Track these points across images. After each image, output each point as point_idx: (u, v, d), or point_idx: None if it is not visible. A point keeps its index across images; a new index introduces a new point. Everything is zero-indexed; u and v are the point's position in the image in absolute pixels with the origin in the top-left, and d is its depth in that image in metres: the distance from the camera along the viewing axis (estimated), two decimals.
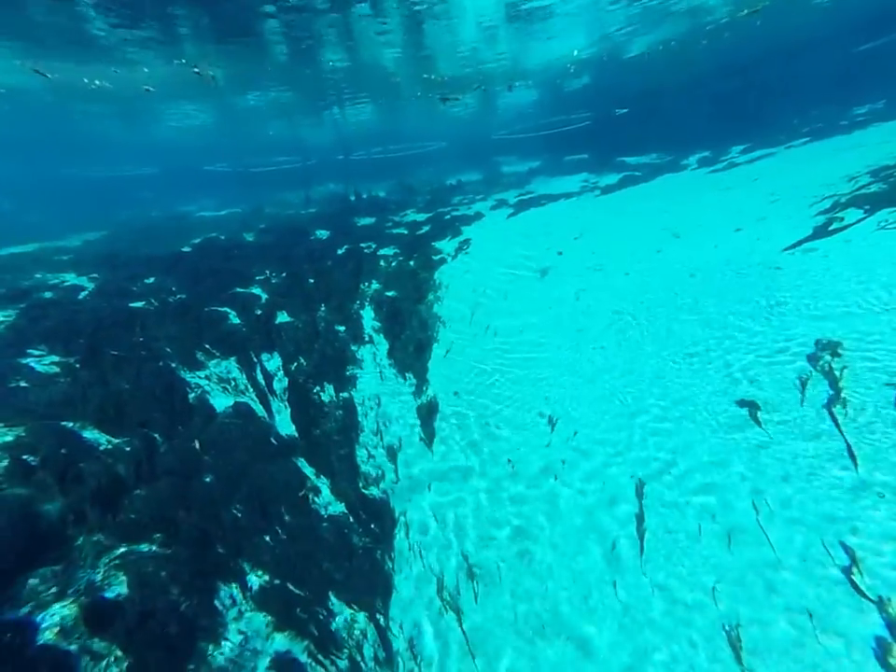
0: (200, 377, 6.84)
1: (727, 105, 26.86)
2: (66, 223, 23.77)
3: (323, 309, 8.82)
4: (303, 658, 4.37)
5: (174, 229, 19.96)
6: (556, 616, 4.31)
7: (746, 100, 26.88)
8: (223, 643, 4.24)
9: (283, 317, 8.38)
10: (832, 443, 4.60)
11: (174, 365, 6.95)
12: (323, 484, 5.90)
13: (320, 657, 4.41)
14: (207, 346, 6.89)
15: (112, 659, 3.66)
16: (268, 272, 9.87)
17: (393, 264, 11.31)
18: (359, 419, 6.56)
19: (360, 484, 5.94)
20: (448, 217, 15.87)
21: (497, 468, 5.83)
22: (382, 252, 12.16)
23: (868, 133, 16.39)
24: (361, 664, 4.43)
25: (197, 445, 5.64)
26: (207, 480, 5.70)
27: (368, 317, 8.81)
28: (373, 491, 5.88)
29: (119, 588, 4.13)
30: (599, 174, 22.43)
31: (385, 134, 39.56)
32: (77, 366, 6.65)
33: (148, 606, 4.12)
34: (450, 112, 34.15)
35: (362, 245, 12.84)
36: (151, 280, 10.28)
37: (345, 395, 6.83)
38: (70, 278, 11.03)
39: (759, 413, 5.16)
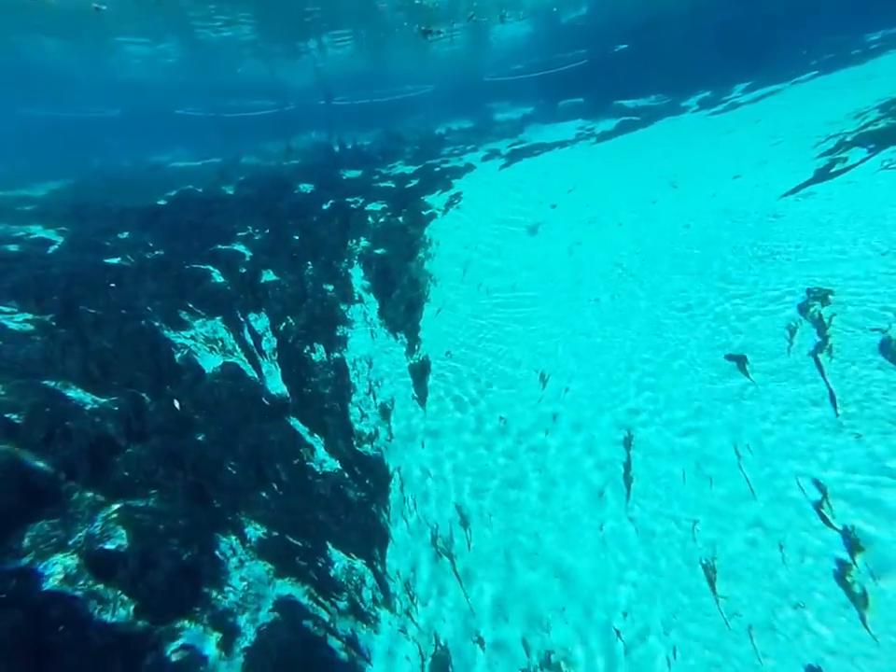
0: (185, 337, 6.69)
1: (732, 36, 25.08)
2: (27, 170, 22.18)
3: (310, 267, 8.55)
4: (305, 601, 4.63)
5: (147, 180, 18.82)
6: (542, 550, 4.57)
7: (751, 30, 25.10)
8: (226, 589, 4.46)
9: (269, 276, 8.12)
10: (814, 388, 4.71)
11: (157, 324, 6.76)
12: (317, 443, 5.99)
13: (321, 599, 4.68)
14: (191, 306, 6.68)
15: (119, 603, 3.83)
16: (250, 227, 9.42)
17: (381, 220, 10.89)
18: (351, 379, 6.56)
19: (354, 442, 6.04)
20: (438, 169, 15.13)
21: (490, 423, 5.94)
22: (369, 207, 11.66)
23: (881, 62, 15.29)
24: (360, 604, 4.72)
25: (177, 405, 5.60)
26: (200, 439, 5.75)
27: (357, 276, 8.58)
28: (367, 448, 6.00)
29: (118, 540, 4.25)
30: (595, 119, 21.30)
31: (369, 77, 36.74)
32: (54, 324, 6.44)
33: (150, 556, 4.27)
34: (439, 52, 31.60)
35: (349, 199, 12.26)
36: (125, 235, 9.76)
37: (336, 355, 6.78)
38: (36, 231, 10.37)
39: (747, 363, 5.24)
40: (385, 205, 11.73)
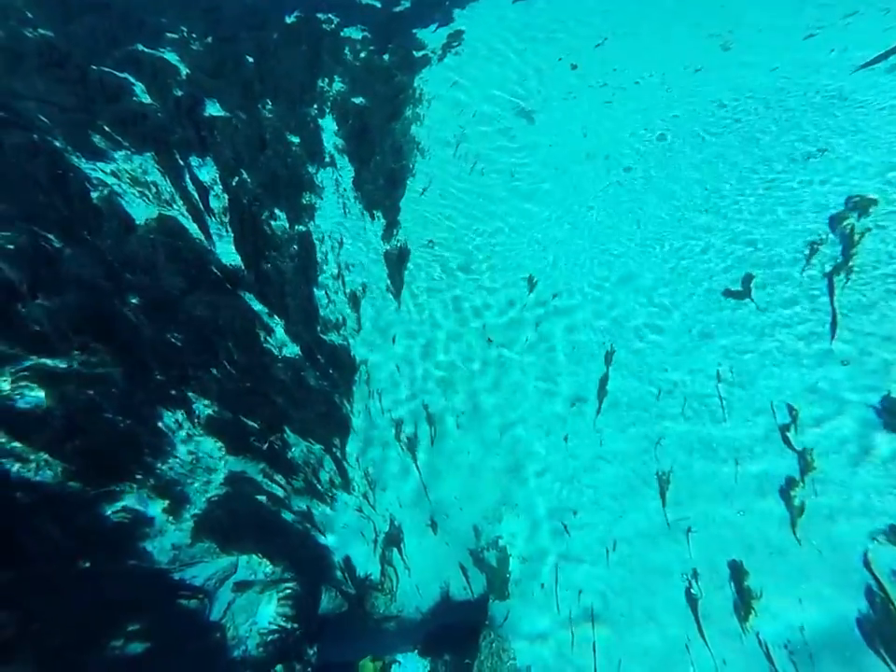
0: (104, 172, 5.25)
1: None
2: None
3: (269, 107, 6.78)
4: (259, 478, 4.67)
5: None
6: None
7: None
8: (171, 460, 4.33)
9: (213, 109, 6.36)
10: (818, 313, 4.67)
11: (58, 144, 5.17)
12: (277, 325, 5.45)
13: (276, 477, 4.74)
14: (107, 129, 5.07)
15: (42, 463, 3.57)
16: (184, 29, 6.94)
17: (362, 55, 8.63)
18: (318, 258, 5.77)
19: (318, 329, 5.58)
20: None
21: (470, 323, 5.65)
22: (347, 33, 9.11)
23: None
24: (317, 485, 4.86)
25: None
26: (134, 302, 4.97)
27: (328, 129, 7.01)
28: (332, 337, 5.59)
29: (33, 400, 3.80)
30: None
31: None
32: None
33: (76, 420, 3.92)
34: None
35: (320, 15, 9.44)
36: None
37: (301, 227, 5.80)
38: None
39: (753, 281, 5.06)
40: (366, 33, 9.21)
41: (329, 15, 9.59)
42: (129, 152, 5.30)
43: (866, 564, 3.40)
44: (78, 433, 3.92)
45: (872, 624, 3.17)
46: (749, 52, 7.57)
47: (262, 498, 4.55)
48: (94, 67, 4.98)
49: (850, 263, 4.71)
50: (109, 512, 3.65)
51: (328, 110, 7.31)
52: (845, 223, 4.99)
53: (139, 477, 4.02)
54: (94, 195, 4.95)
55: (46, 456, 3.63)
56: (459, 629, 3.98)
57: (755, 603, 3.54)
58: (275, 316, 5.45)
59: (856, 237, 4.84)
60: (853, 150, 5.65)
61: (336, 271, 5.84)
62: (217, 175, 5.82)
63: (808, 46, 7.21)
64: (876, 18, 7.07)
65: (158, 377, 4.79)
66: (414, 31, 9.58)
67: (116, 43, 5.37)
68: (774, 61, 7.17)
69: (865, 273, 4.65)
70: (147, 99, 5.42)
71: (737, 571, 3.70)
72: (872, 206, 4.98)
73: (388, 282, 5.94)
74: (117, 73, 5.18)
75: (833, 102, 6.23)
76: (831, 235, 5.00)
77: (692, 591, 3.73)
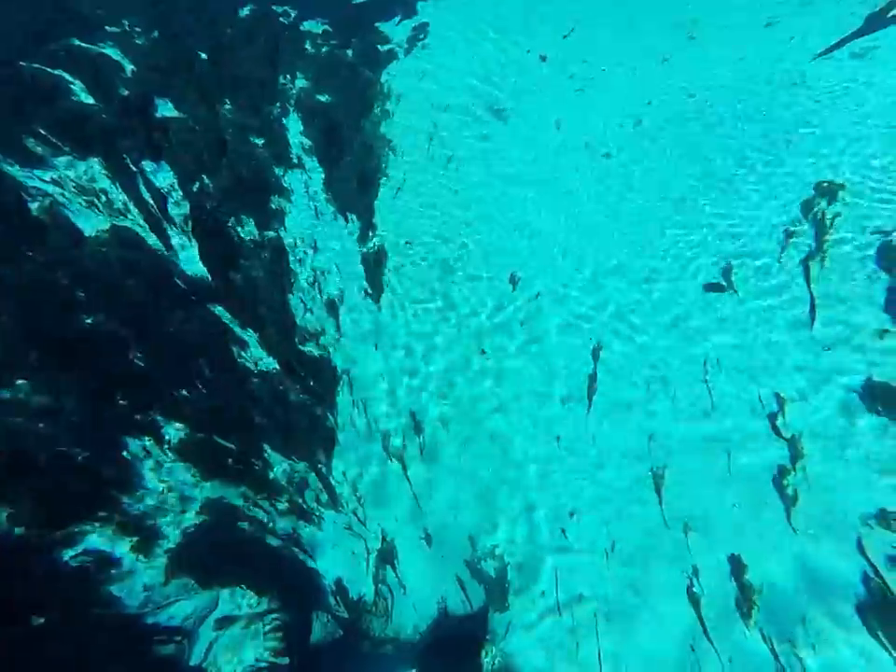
0: (43, 180, 4.77)
1: None
2: None
3: (228, 106, 6.38)
4: (239, 502, 4.36)
5: None
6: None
7: None
8: (140, 492, 4.00)
9: (166, 109, 5.92)
10: (796, 299, 4.73)
11: None
12: (251, 337, 5.14)
13: (258, 501, 4.46)
14: (42, 131, 4.57)
15: None
16: (126, 22, 6.38)
17: (324, 50, 8.30)
18: (292, 265, 5.46)
19: (296, 339, 5.30)
20: None
21: (454, 325, 5.48)
22: (307, 27, 8.73)
23: None
24: (303, 505, 4.60)
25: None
26: (89, 321, 4.57)
27: (294, 129, 6.67)
28: (311, 347, 5.31)
29: None
30: None
31: None
32: None
33: (23, 457, 3.56)
34: None
35: (275, 7, 9.01)
36: None
37: (271, 234, 5.48)
38: None
39: (732, 272, 5.11)
40: (327, 27, 8.86)
41: (286, 7, 9.17)
42: (72, 158, 4.85)
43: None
44: (26, 472, 3.55)
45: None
46: (713, 41, 7.68)
47: (244, 525, 4.26)
48: (23, 63, 4.48)
49: (824, 247, 4.80)
50: (67, 558, 3.31)
51: (291, 109, 6.97)
52: (815, 209, 5.09)
53: (102, 514, 3.68)
54: (33, 206, 4.50)
55: None
56: (458, 644, 3.84)
57: None
58: (249, 329, 5.14)
59: (827, 221, 4.94)
60: (819, 137, 5.78)
61: (311, 277, 5.56)
62: (175, 181, 5.42)
63: (768, 34, 7.37)
64: (831, 4, 7.28)
65: (120, 402, 4.42)
66: (377, 24, 9.29)
67: (46, 37, 4.83)
68: (738, 50, 7.29)
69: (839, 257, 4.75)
70: (88, 99, 4.95)
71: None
72: (840, 191, 5.10)
73: (367, 286, 5.70)
74: (50, 70, 4.68)
75: (794, 89, 6.37)
76: (804, 221, 5.10)
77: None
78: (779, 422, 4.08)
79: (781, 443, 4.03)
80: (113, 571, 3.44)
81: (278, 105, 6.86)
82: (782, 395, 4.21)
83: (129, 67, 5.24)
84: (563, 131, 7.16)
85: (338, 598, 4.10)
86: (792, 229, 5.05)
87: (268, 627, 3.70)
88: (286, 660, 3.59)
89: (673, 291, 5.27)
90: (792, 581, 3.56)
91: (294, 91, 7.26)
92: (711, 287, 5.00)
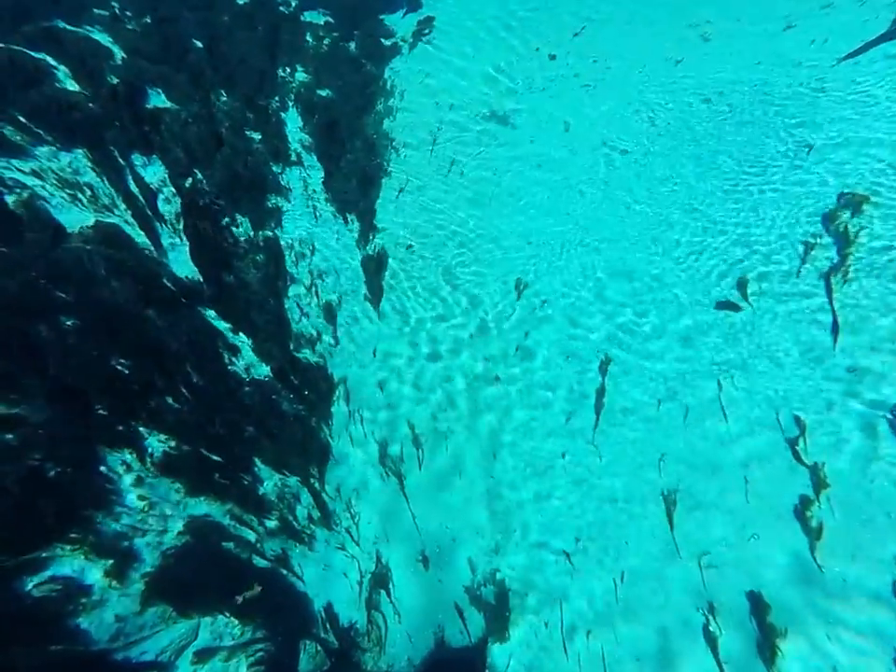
0: (21, 171, 4.47)
1: None
2: None
3: (224, 99, 6.10)
4: (225, 521, 4.10)
5: None
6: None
7: None
8: (118, 510, 3.72)
9: (158, 99, 5.63)
10: (816, 314, 4.55)
11: None
12: (243, 344, 4.87)
13: (246, 518, 4.20)
14: (22, 119, 4.28)
15: None
16: (116, 5, 6.04)
17: (326, 42, 8.02)
18: (288, 268, 5.20)
19: (290, 346, 5.04)
20: None
21: (456, 333, 5.24)
22: (308, 17, 8.45)
23: None
24: (293, 523, 4.35)
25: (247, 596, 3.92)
26: (68, 324, 4.29)
27: (293, 124, 6.39)
28: (307, 354, 5.06)
29: None
30: None
31: None
32: None
33: None
34: None
35: None
36: None
37: (268, 233, 5.22)
38: None
39: (748, 286, 4.87)
40: (329, 18, 8.58)
41: None
42: (54, 148, 4.55)
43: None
44: None
45: None
46: (729, 42, 7.47)
47: (229, 545, 4.00)
48: (1, 45, 4.16)
49: (847, 262, 4.60)
50: (30, 587, 3.03)
51: (291, 103, 6.69)
52: (838, 221, 4.89)
53: (74, 536, 3.40)
54: (10, 199, 4.20)
55: None
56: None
57: None
58: (241, 334, 4.87)
59: (850, 233, 4.74)
60: (841, 143, 5.58)
61: (308, 281, 5.30)
62: (166, 176, 5.14)
63: (788, 37, 7.16)
64: (852, 9, 7.09)
65: (100, 411, 4.14)
66: (381, 17, 9.02)
67: (26, 16, 4.49)
68: (755, 53, 7.08)
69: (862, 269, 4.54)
70: (73, 86, 4.65)
71: None
72: (865, 202, 4.90)
73: (366, 291, 5.45)
74: (31, 52, 4.37)
75: (815, 95, 6.17)
76: (825, 234, 4.89)
77: None
78: (800, 447, 3.88)
79: (803, 470, 3.82)
80: (82, 601, 3.16)
81: (277, 98, 6.58)
82: (803, 418, 4.01)
83: (119, 54, 4.95)
84: (573, 130, 6.92)
85: (327, 626, 3.85)
86: (813, 241, 4.85)
87: (251, 660, 3.45)
88: None
89: (685, 302, 5.06)
90: None
91: (294, 85, 6.98)
92: (724, 305, 4.79)
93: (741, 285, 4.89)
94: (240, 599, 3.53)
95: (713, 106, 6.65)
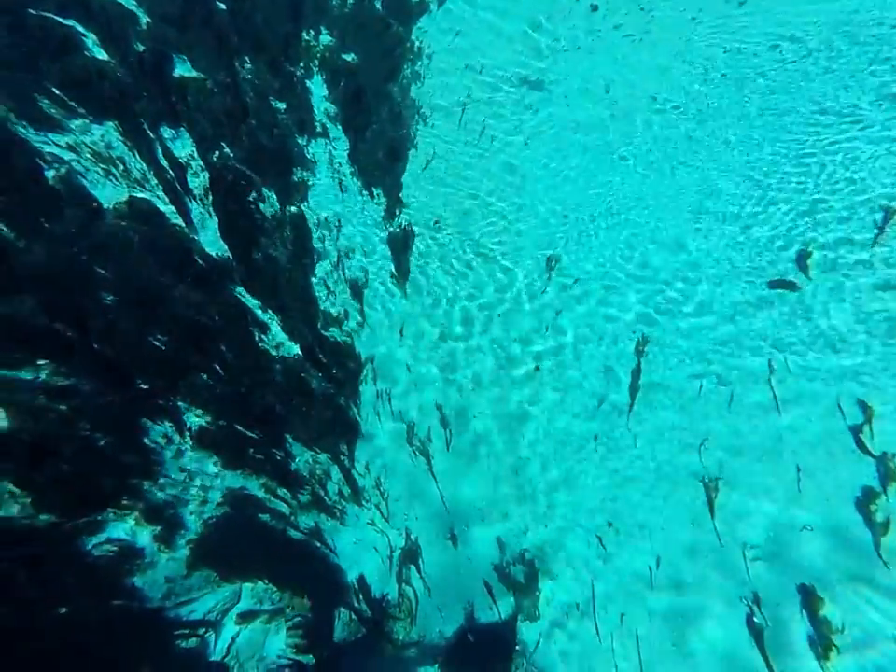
0: (59, 145, 4.47)
1: None
2: None
3: (248, 66, 5.89)
4: (260, 494, 4.24)
5: None
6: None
7: None
8: (162, 480, 3.90)
9: (183, 68, 5.48)
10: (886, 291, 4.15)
11: None
12: (272, 321, 4.89)
13: (280, 492, 4.32)
14: (56, 91, 4.25)
15: (5, 495, 3.12)
16: None
17: (350, 2, 7.59)
18: (315, 244, 5.12)
19: (318, 324, 5.02)
20: None
21: (486, 312, 5.10)
22: None
23: None
24: (325, 498, 4.46)
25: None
26: (108, 299, 4.39)
27: (318, 92, 6.15)
28: (334, 333, 5.04)
29: None
30: None
31: None
32: None
33: (46, 443, 3.46)
34: None
35: None
36: None
37: (294, 209, 5.12)
38: None
39: (810, 258, 4.46)
40: None
41: None
42: (87, 121, 4.52)
43: None
44: (48, 457, 3.45)
45: None
46: None
47: (265, 517, 4.15)
48: (32, 11, 4.05)
49: None
50: (90, 547, 3.23)
51: (315, 69, 6.41)
52: None
53: (125, 502, 3.59)
54: (49, 174, 4.23)
55: (10, 488, 3.16)
56: (486, 651, 3.70)
57: None
58: (270, 312, 4.88)
59: None
60: None
61: (335, 258, 5.22)
62: (194, 149, 5.07)
63: None
64: None
65: (141, 386, 4.28)
66: None
67: None
68: None
69: None
70: (102, 54, 4.56)
71: None
72: None
73: (393, 268, 5.34)
74: (60, 19, 4.25)
75: None
76: None
77: None
78: (865, 436, 3.61)
79: (868, 460, 3.57)
80: (136, 562, 3.36)
81: (301, 63, 6.32)
82: (870, 405, 3.71)
83: (144, 19, 4.80)
84: (612, 92, 6.40)
85: (360, 596, 3.99)
86: (894, 206, 4.35)
87: (290, 623, 3.61)
88: (309, 657, 3.51)
89: (736, 280, 4.71)
90: None
91: (318, 49, 6.68)
92: (778, 284, 4.43)
93: (801, 258, 4.49)
94: None
95: (781, 54, 5.94)
